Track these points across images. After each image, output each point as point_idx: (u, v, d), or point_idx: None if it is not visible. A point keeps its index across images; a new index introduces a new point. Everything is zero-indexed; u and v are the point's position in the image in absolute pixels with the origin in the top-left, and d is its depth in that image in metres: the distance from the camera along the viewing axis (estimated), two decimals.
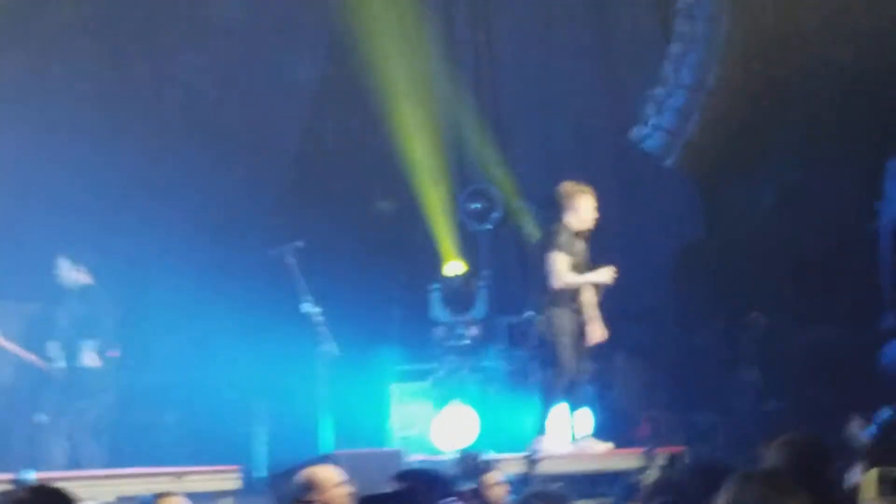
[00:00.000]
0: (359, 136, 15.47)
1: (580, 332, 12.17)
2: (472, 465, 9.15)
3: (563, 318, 12.13)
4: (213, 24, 15.41)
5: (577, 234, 12.14)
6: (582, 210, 12.11)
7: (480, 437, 13.82)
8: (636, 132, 15.29)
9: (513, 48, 16.64)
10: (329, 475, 8.27)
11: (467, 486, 9.00)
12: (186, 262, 13.97)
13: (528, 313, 13.74)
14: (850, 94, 15.04)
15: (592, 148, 15.91)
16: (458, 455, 9.56)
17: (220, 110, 15.17)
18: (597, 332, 12.18)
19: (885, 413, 13.46)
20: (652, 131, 15.20)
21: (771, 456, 6.38)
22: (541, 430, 12.40)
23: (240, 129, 15.36)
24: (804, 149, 15.35)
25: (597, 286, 12.17)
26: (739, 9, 14.84)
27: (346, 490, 8.17)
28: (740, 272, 15.37)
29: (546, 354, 12.73)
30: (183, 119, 14.93)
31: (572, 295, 12.12)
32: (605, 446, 12.36)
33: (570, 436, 12.52)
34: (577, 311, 12.15)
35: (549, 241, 12.16)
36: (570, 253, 12.03)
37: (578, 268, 12.16)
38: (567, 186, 12.19)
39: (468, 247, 15.23)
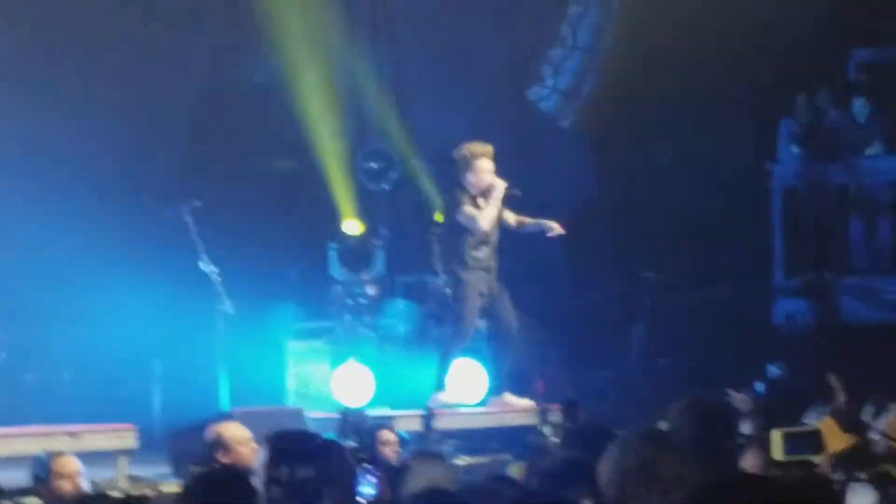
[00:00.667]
0: (257, 95, 15.40)
1: (482, 290, 12.27)
2: (355, 425, 9.22)
3: (467, 276, 12.23)
4: None
5: (475, 197, 12.23)
6: (474, 179, 12.18)
7: (377, 394, 13.88)
8: (533, 93, 15.39)
9: (412, 9, 16.64)
10: (237, 433, 8.29)
11: (351, 445, 9.07)
12: (82, 221, 13.84)
13: (432, 271, 13.87)
14: (743, 56, 15.24)
15: (490, 108, 15.97)
16: (342, 414, 9.62)
17: (116, 68, 15.03)
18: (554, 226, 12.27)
19: (772, 370, 13.79)
20: (549, 92, 15.31)
21: (673, 419, 6.47)
22: (440, 386, 12.52)
23: (136, 87, 15.22)
24: (698, 110, 15.55)
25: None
26: None
27: (253, 448, 8.19)
28: (634, 232, 15.57)
29: (448, 312, 12.86)
30: (77, 77, 14.77)
31: (474, 252, 12.22)
32: (524, 402, 12.48)
33: (474, 391, 12.65)
34: (481, 269, 12.26)
35: (453, 203, 12.24)
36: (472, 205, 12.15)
37: (491, 241, 12.30)
38: (465, 148, 12.26)
39: (367, 206, 15.25)
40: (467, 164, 12.17)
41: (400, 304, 14.67)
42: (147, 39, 15.42)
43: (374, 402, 13.70)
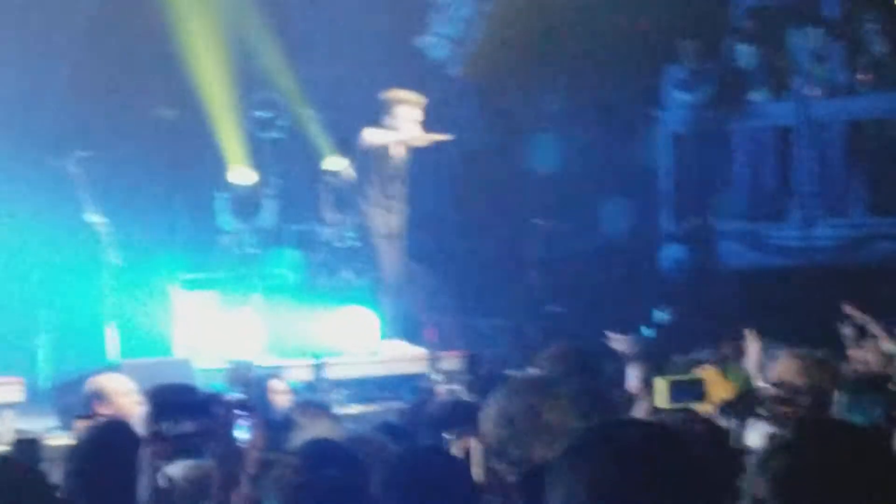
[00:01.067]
0: (143, 41, 15.20)
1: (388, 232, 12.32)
2: (243, 375, 9.21)
3: (376, 219, 12.26)
4: None
5: (399, 143, 12.25)
6: (400, 118, 12.21)
7: (267, 345, 13.85)
8: (422, 41, 15.36)
9: None
10: (117, 384, 8.21)
11: (235, 396, 9.04)
12: None
13: (320, 219, 13.82)
14: (628, 1, 15.34)
15: (377, 56, 15.92)
16: (229, 365, 9.60)
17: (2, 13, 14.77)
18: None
19: (658, 315, 13.96)
20: (437, 40, 15.29)
21: (542, 366, 6.57)
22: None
23: (18, 34, 14.96)
24: (584, 57, 15.61)
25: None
26: None
27: (136, 399, 8.14)
28: (522, 178, 15.64)
29: (340, 261, 12.89)
30: None
31: (393, 194, 12.24)
32: (416, 350, 12.53)
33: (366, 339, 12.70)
34: (390, 211, 12.28)
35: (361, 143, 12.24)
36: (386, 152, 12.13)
37: (398, 178, 12.31)
38: (393, 94, 12.29)
39: (255, 155, 15.15)
40: (389, 108, 12.20)
41: (289, 254, 14.61)
42: None
43: (264, 353, 13.67)
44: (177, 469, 4.95)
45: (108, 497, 4.63)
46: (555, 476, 2.59)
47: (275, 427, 5.89)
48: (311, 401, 7.19)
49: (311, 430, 5.40)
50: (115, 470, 4.69)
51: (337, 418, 6.24)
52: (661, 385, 6.02)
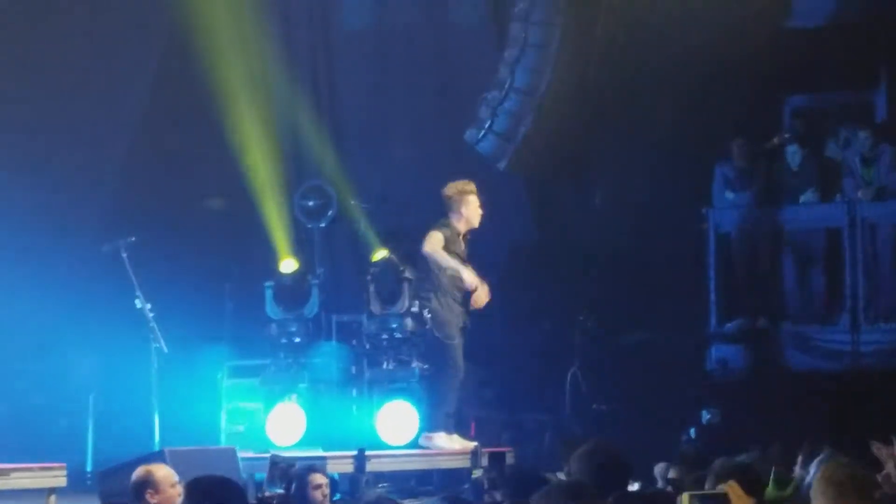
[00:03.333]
0: (194, 132, 15.35)
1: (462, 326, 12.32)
2: (283, 471, 9.19)
3: (450, 312, 12.27)
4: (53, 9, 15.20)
5: (461, 235, 12.30)
6: (467, 210, 12.27)
7: (309, 434, 13.84)
8: (470, 135, 15.44)
9: (349, 49, 16.69)
10: (165, 474, 8.26)
11: (275, 491, 9.06)
12: (19, 257, 13.77)
13: (367, 311, 13.86)
14: (678, 99, 15.38)
15: (427, 149, 16.03)
16: (271, 460, 9.60)
17: (55, 104, 14.96)
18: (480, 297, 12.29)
19: (705, 415, 13.88)
20: (486, 134, 15.36)
21: (573, 466, 6.53)
22: (431, 427, 12.49)
23: (74, 123, 15.15)
24: (634, 153, 15.66)
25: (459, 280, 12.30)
26: (572, 16, 15.07)
27: (179, 490, 8.17)
28: (569, 274, 15.62)
29: (381, 353, 12.88)
30: (17, 111, 14.69)
31: (457, 290, 12.26)
32: (468, 444, 12.45)
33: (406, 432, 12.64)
34: (459, 304, 12.30)
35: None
36: (448, 243, 12.17)
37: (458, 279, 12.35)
38: (453, 186, 12.34)
39: (302, 244, 15.22)
40: (461, 199, 12.24)
41: (333, 345, 14.64)
42: (82, 74, 15.38)
43: (306, 442, 13.66)
44: None
45: None
46: None
47: None
48: (385, 498, 7.15)
49: None
50: None
51: None
52: (685, 500, 5.99)
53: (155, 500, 8.04)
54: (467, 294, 12.36)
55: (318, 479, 9.34)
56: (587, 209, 16.05)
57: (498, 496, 6.94)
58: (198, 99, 14.85)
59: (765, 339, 14.88)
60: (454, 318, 12.31)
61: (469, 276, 12.24)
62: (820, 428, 11.42)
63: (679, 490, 6.52)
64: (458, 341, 12.33)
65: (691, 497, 5.84)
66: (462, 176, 13.00)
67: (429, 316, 12.51)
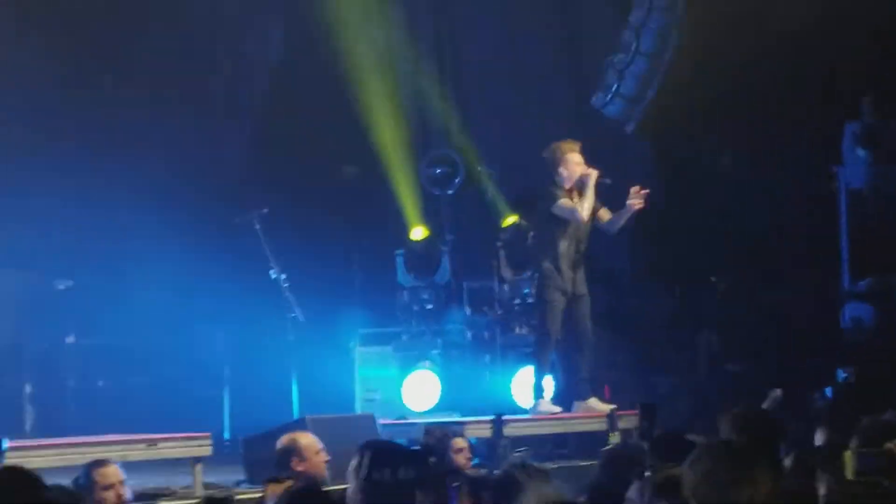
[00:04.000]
0: (323, 102, 15.49)
1: (566, 289, 12.34)
2: (438, 438, 9.28)
3: (554, 274, 12.30)
4: None
5: (569, 191, 12.34)
6: (567, 171, 12.31)
7: (443, 401, 13.96)
8: (597, 99, 15.40)
9: (474, 15, 16.70)
10: (310, 441, 8.40)
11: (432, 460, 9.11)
12: (154, 232, 14.01)
13: (498, 277, 13.93)
14: (807, 57, 15.20)
15: (553, 114, 16.01)
16: (423, 428, 9.69)
17: (186, 78, 15.17)
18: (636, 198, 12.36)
19: (840, 374, 13.74)
20: (612, 97, 15.31)
21: (723, 429, 6.49)
22: (538, 394, 12.55)
23: (204, 96, 15.37)
24: (762, 112, 15.51)
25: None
26: None
27: (325, 457, 8.31)
28: (699, 236, 15.54)
29: (537, 316, 12.94)
30: (150, 85, 14.91)
31: (566, 254, 12.30)
32: (607, 406, 12.50)
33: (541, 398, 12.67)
34: (569, 268, 12.32)
35: (546, 202, 12.35)
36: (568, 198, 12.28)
37: (584, 239, 12.39)
38: (555, 146, 12.38)
39: (431, 211, 15.33)
40: (559, 158, 12.31)
41: (466, 310, 14.74)
42: (212, 47, 15.58)
43: (441, 408, 13.79)
44: None
45: None
46: None
47: (493, 486, 5.95)
48: (531, 464, 7.23)
49: (539, 496, 5.41)
50: None
51: (561, 486, 6.25)
52: (848, 456, 5.93)
53: (300, 468, 8.16)
54: (580, 253, 12.36)
55: (460, 442, 9.44)
56: (716, 170, 15.94)
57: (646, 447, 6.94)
58: (326, 68, 14.98)
59: None
60: (559, 282, 12.29)
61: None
62: None
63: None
64: (558, 304, 12.30)
65: (857, 454, 5.78)
66: (589, 140, 13.00)
67: (536, 277, 12.56)
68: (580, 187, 12.33)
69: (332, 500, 5.04)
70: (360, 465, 5.15)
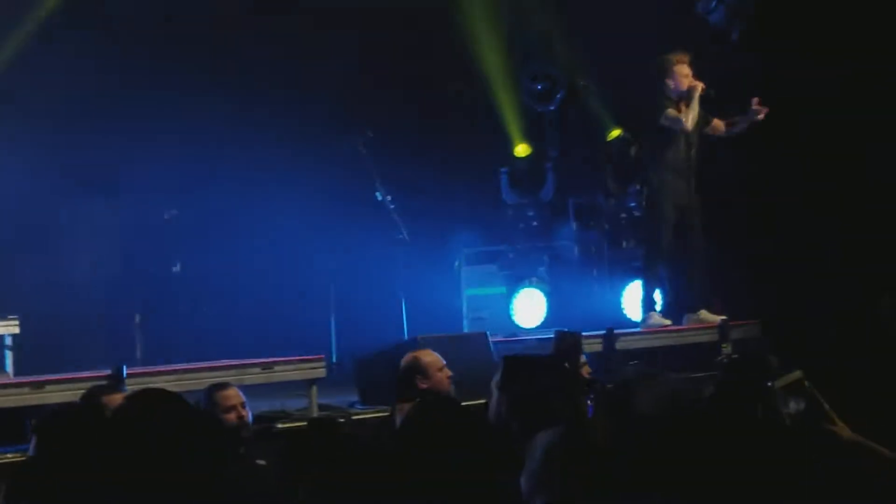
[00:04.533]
0: (420, 20, 15.37)
1: (680, 201, 12.25)
2: (570, 343, 9.18)
3: (666, 184, 12.22)
4: None
5: (676, 102, 12.25)
6: (675, 81, 12.19)
7: (551, 317, 13.91)
8: (702, 5, 15.16)
9: None
10: (433, 359, 8.36)
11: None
12: (260, 155, 14.04)
13: (604, 191, 13.81)
14: None
15: (657, 23, 15.75)
16: (556, 334, 9.61)
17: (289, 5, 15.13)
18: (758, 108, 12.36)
19: None
20: (717, 4, 15.06)
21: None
22: (647, 307, 12.51)
23: (301, 21, 15.30)
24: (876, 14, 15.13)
25: None
26: None
27: (448, 373, 8.28)
28: (807, 147, 15.25)
29: (645, 229, 12.88)
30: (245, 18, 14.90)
31: (678, 166, 12.21)
32: (718, 318, 12.43)
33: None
34: (681, 178, 12.22)
35: (654, 113, 12.30)
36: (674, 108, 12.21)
37: (693, 148, 12.31)
38: (664, 57, 12.37)
39: (534, 128, 15.20)
40: (666, 69, 12.32)
41: (572, 226, 14.65)
42: None
43: (550, 325, 13.74)
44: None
45: (443, 469, 4.67)
46: None
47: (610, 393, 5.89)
48: (647, 370, 7.14)
49: (647, 390, 5.35)
50: (448, 444, 4.73)
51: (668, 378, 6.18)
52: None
53: (425, 385, 8.12)
54: (690, 162, 12.26)
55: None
56: (826, 83, 15.58)
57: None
58: None
59: None
60: (669, 194, 12.20)
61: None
62: None
63: None
64: (668, 217, 12.20)
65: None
66: (693, 49, 12.83)
67: (646, 192, 12.44)
68: (687, 99, 12.24)
69: (464, 408, 5.00)
70: (507, 375, 5.11)
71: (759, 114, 12.42)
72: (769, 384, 4.62)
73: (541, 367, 4.76)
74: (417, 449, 4.68)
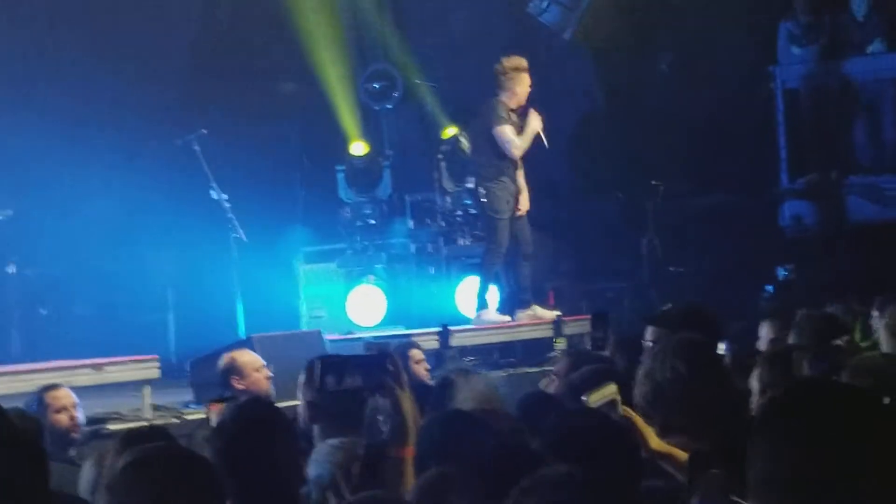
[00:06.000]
0: (255, 20, 15.36)
1: (512, 206, 12.35)
2: (379, 349, 9.29)
3: (499, 188, 12.30)
4: None
5: (512, 110, 12.26)
6: (517, 87, 12.21)
7: (389, 315, 13.98)
8: (533, 6, 15.36)
9: None
10: (250, 359, 8.36)
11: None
12: (92, 154, 13.89)
13: (440, 189, 13.92)
14: None
15: (489, 23, 15.94)
16: (364, 347, 9.70)
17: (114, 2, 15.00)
18: (525, 201, 12.42)
19: (781, 272, 13.88)
20: (549, 4, 15.27)
21: (663, 326, 6.47)
22: (481, 304, 12.61)
23: (134, 19, 15.17)
24: (697, 15, 15.51)
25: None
26: None
27: (267, 373, 8.29)
28: (639, 140, 15.58)
29: (484, 229, 12.96)
30: (81, 13, 14.74)
31: (509, 169, 12.29)
32: (551, 313, 12.58)
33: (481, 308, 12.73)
34: (512, 182, 12.33)
35: (488, 118, 12.27)
36: (511, 124, 12.21)
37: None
38: (504, 63, 12.27)
39: (371, 126, 15.27)
40: (512, 75, 12.19)
41: (409, 224, 14.74)
42: None
43: (388, 322, 13.82)
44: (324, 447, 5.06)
45: (257, 473, 4.70)
46: (758, 442, 2.61)
47: (428, 391, 5.98)
48: (467, 367, 7.25)
49: (474, 393, 5.45)
50: (263, 447, 4.74)
51: (494, 381, 6.30)
52: (797, 356, 5.99)
53: (242, 385, 8.11)
54: (516, 167, 12.35)
55: (418, 354, 9.47)
56: (654, 74, 15.94)
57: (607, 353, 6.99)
58: None
59: (836, 193, 14.80)
60: (505, 195, 12.29)
61: (534, 125, 12.19)
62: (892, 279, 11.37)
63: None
64: (505, 218, 12.31)
65: (806, 357, 5.83)
66: (527, 48, 12.96)
67: (482, 192, 12.53)
68: (522, 114, 12.24)
69: (279, 410, 5.02)
70: (308, 377, 5.15)
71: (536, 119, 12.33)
72: (584, 398, 4.67)
73: (350, 366, 4.80)
74: (229, 451, 4.68)
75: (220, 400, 6.91)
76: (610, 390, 4.61)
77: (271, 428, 4.75)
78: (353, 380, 4.75)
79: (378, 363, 4.81)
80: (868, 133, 15.34)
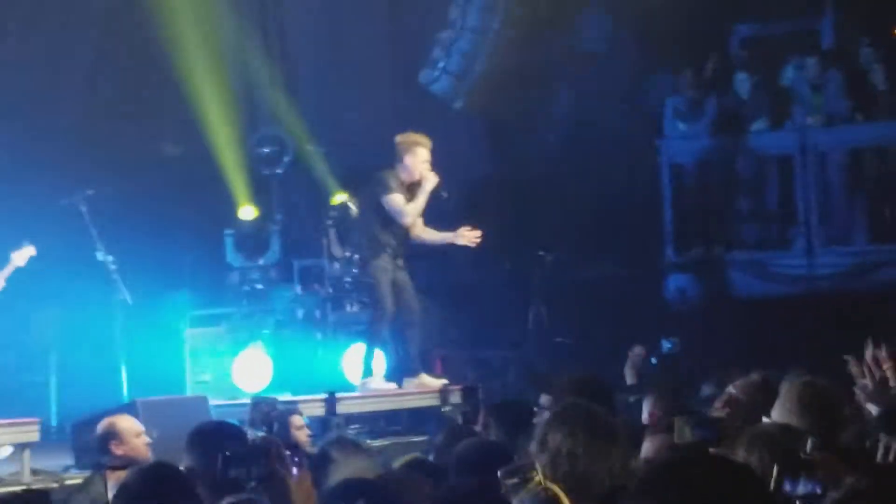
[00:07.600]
0: (145, 81, 15.31)
1: (396, 273, 12.31)
2: (266, 413, 9.24)
3: (379, 259, 12.25)
4: None
5: (406, 185, 12.20)
6: (412, 163, 12.19)
7: (275, 380, 13.91)
8: (424, 75, 15.48)
9: None
10: (129, 424, 8.26)
11: (259, 433, 9.07)
12: None
13: (328, 255, 13.90)
14: (627, 33, 15.46)
15: (380, 91, 16.04)
16: (251, 402, 9.65)
17: (8, 54, 14.87)
18: (466, 234, 12.36)
19: (665, 345, 14.02)
20: (440, 74, 15.40)
21: (557, 396, 6.57)
22: (367, 371, 12.55)
23: (21, 77, 15.05)
24: (586, 89, 15.74)
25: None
26: None
27: (146, 440, 8.20)
28: (527, 210, 15.72)
29: (368, 297, 12.91)
30: None
31: (392, 239, 12.25)
32: (439, 382, 12.55)
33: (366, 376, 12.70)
34: (391, 254, 12.28)
35: (376, 189, 12.23)
36: (401, 193, 12.16)
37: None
38: (403, 138, 12.23)
39: (260, 191, 15.25)
40: (407, 148, 12.13)
41: (296, 289, 14.70)
42: (34, 26, 15.27)
43: (274, 388, 13.73)
44: None
45: None
46: None
47: (311, 463, 5.96)
48: (346, 437, 7.24)
49: (347, 466, 5.45)
50: None
51: (371, 454, 6.30)
52: (680, 423, 6.04)
53: (121, 451, 8.01)
54: (400, 242, 12.33)
55: (299, 420, 9.43)
56: (542, 146, 16.12)
57: (478, 428, 7.02)
58: (148, 47, 14.78)
59: (721, 268, 15.04)
60: (381, 262, 12.26)
61: (429, 185, 12.15)
62: (779, 353, 11.57)
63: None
64: (384, 284, 12.29)
65: (688, 421, 5.87)
66: (417, 117, 13.02)
67: (356, 258, 12.53)
68: (415, 186, 12.23)
69: (181, 473, 4.99)
70: (193, 457, 5.11)
71: (464, 239, 12.40)
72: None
73: (225, 436, 4.79)
74: None
75: (115, 468, 6.84)
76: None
77: (176, 490, 4.74)
78: (257, 471, 4.73)
79: (264, 451, 4.79)
80: (752, 209, 15.63)
